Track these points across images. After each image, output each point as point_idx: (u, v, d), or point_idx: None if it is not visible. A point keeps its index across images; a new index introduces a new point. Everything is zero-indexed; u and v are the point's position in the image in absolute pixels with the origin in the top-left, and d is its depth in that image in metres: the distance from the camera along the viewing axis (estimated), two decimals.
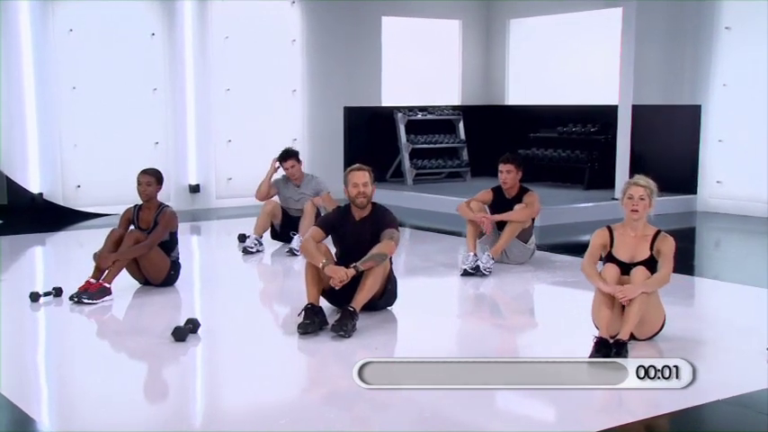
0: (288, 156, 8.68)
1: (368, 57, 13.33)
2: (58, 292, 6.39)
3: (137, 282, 6.76)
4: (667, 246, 5.07)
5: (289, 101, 12.74)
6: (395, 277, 5.95)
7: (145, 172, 6.66)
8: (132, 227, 6.68)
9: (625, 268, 5.08)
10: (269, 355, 5.19)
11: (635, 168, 11.05)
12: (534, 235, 7.75)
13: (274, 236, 8.80)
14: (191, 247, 9.00)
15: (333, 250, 5.95)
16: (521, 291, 7.10)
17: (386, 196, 12.56)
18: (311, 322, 5.34)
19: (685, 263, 7.77)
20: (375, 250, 5.56)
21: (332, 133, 13.14)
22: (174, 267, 6.76)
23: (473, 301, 6.80)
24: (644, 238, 5.16)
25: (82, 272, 6.53)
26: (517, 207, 7.49)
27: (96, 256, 6.38)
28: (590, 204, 11.03)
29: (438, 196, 11.96)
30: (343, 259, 5.65)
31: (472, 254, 7.32)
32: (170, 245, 6.73)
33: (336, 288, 5.46)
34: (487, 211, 7.60)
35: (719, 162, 11.43)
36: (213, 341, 5.35)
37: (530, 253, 7.72)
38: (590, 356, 4.69)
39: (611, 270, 5.02)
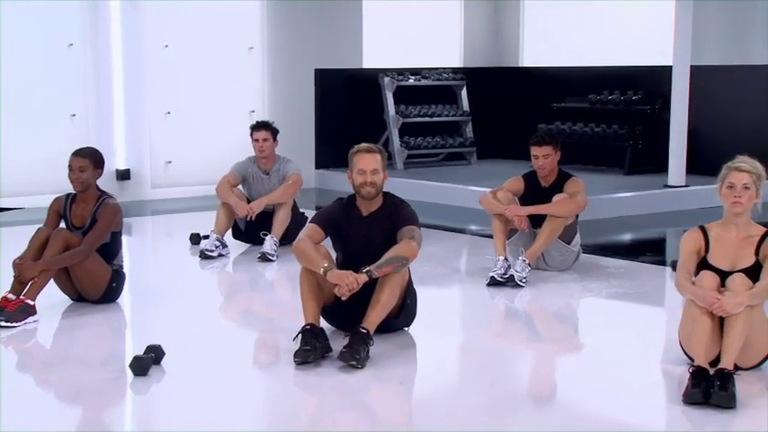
0: (261, 126, 8.54)
1: (345, 5, 13.22)
2: None
3: (67, 297, 6.58)
4: None
5: (245, 61, 12.61)
6: (414, 290, 5.82)
7: (77, 153, 6.45)
8: (63, 224, 6.47)
9: (724, 278, 4.97)
10: (258, 393, 5.04)
11: (693, 147, 11.10)
12: (579, 233, 7.67)
13: (237, 235, 8.66)
14: (126, 250, 8.79)
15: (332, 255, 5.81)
16: (565, 306, 7.03)
17: None
18: (311, 348, 5.20)
19: None
20: (393, 252, 5.42)
21: (300, 103, 13.02)
22: (117, 278, 6.56)
23: (508, 321, 6.74)
24: (748, 240, 5.08)
25: None
26: (557, 198, 7.39)
27: (16, 266, 6.17)
28: (635, 194, 10.98)
29: (437, 184, 11.87)
30: (347, 267, 5.50)
31: (502, 258, 7.22)
32: (111, 249, 6.53)
33: (343, 298, 5.32)
34: (518, 203, 7.49)
35: None
36: (182, 376, 5.18)
37: (574, 257, 7.64)
38: (686, 395, 4.58)
39: (709, 278, 4.91)
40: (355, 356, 5.13)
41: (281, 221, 8.30)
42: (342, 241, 5.77)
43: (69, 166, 6.42)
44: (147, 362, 5.09)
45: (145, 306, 6.76)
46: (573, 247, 7.59)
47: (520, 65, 14.61)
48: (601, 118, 13.04)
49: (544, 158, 7.47)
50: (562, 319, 6.82)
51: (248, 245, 8.68)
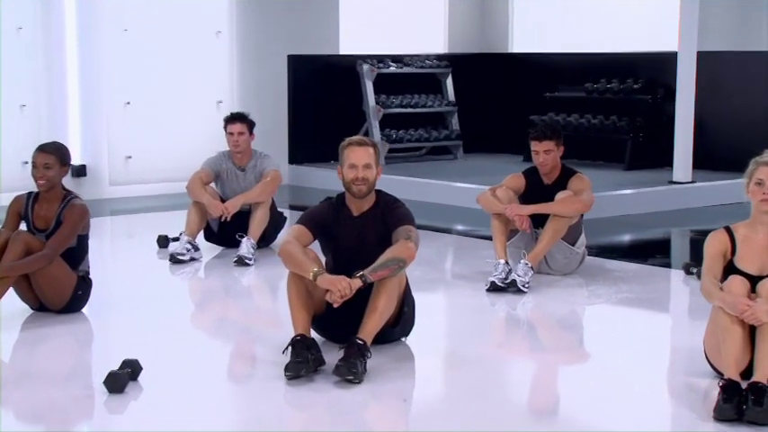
0: (236, 118, 8.48)
1: None
2: None
3: (27, 307, 6.47)
4: None
5: (212, 47, 12.55)
6: (412, 296, 5.78)
7: (42, 149, 6.35)
8: (24, 226, 6.38)
9: (754, 283, 4.94)
10: (247, 411, 4.97)
11: (699, 140, 11.14)
12: (584, 234, 7.65)
13: (209, 237, 8.60)
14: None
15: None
16: (572, 313, 7.02)
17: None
18: (303, 361, 5.13)
19: None
20: (388, 254, 5.37)
21: (271, 93, 12.97)
22: (82, 286, 6.46)
23: (511, 330, 6.73)
24: None
25: None
26: (561, 196, 7.36)
27: None
28: (638, 191, 10.99)
29: (420, 180, 11.84)
30: (338, 273, 5.44)
31: (503, 262, 7.19)
32: (77, 254, 6.43)
33: (335, 306, 5.26)
34: (518, 202, 7.46)
35: None
36: (162, 393, 5.12)
37: (578, 259, 7.62)
38: (716, 411, 4.55)
39: (738, 284, 4.88)
40: (352, 370, 5.07)
41: (258, 222, 8.23)
42: (331, 244, 5.71)
43: (33, 162, 6.33)
44: (124, 378, 5.00)
45: (112, 316, 6.65)
46: (578, 249, 7.57)
47: (509, 51, 14.61)
48: (598, 109, 13.06)
49: (545, 154, 7.45)
50: (569, 327, 6.79)
51: (222, 247, 8.63)
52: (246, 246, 8.04)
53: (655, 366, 5.62)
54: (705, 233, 9.79)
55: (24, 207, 6.44)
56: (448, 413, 4.92)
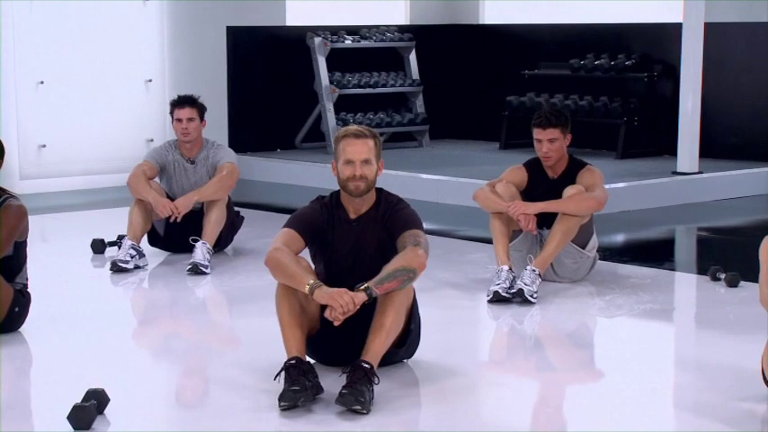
0: (184, 102, 8.38)
1: None
2: None
3: None
4: None
5: (138, 17, 12.48)
6: (419, 313, 5.73)
7: None
8: None
9: None
10: None
11: (704, 124, 11.25)
12: (596, 235, 7.66)
13: (154, 241, 8.50)
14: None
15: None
16: (590, 327, 7.02)
17: (296, 173, 12.38)
18: (301, 389, 5.05)
19: None
20: (396, 264, 5.30)
21: (208, 71, 12.90)
22: (20, 301, 6.32)
23: (523, 348, 6.69)
24: None
25: None
26: (570, 191, 7.35)
27: None
28: (639, 183, 11.04)
29: (385, 171, 11.79)
30: (331, 285, 5.38)
31: (506, 268, 7.17)
32: (14, 264, 6.28)
33: (336, 323, 5.20)
34: (521, 199, 7.45)
35: None
36: (136, 428, 5.04)
37: (589, 264, 7.63)
38: None
39: None
40: (359, 399, 5.00)
41: (214, 223, 8.14)
42: (324, 251, 5.65)
43: None
44: (91, 412, 4.90)
45: (54, 337, 6.51)
46: (588, 253, 7.57)
47: (481, 22, 14.63)
48: (586, 89, 13.15)
49: (550, 144, 7.44)
50: (590, 345, 6.76)
51: (167, 253, 8.54)
52: (201, 251, 7.95)
53: (699, 390, 5.59)
54: (716, 230, 10.10)
55: None
56: None
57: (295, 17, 13.53)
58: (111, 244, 8.66)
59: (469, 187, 10.88)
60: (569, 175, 7.53)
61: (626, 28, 13.24)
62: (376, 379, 5.15)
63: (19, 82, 11.78)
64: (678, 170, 11.38)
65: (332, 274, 5.58)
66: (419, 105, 13.98)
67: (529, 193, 7.52)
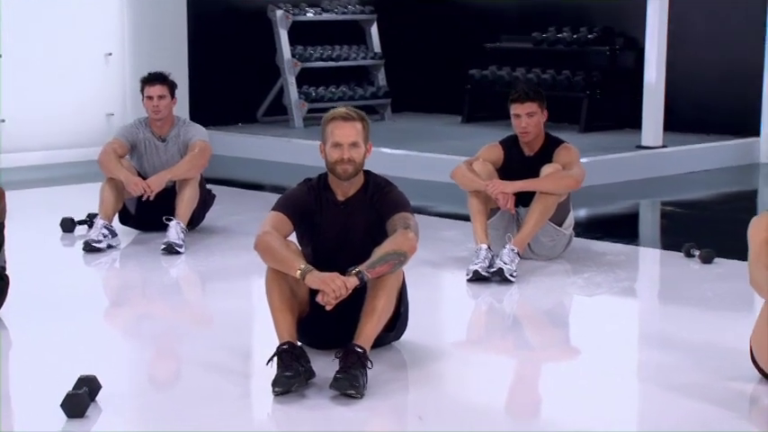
0: (155, 79, 8.30)
1: None
2: None
3: None
4: None
5: None
6: (407, 295, 5.74)
7: None
8: None
9: None
10: None
11: (667, 97, 11.31)
12: (572, 213, 7.70)
13: (125, 220, 8.45)
14: None
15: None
16: (571, 306, 7.06)
17: (259, 147, 12.33)
18: (295, 374, 5.04)
19: None
20: (387, 247, 5.29)
21: (168, 44, 12.80)
22: None
23: (507, 327, 6.71)
24: None
25: None
26: (547, 170, 7.38)
27: None
28: (604, 157, 11.08)
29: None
30: (320, 268, 5.37)
31: (485, 247, 7.18)
32: None
33: (328, 308, 5.17)
34: (498, 177, 7.46)
35: None
36: (129, 414, 5.02)
37: (565, 242, 7.67)
38: None
39: None
40: (354, 384, 5.00)
41: (187, 202, 8.09)
42: (312, 234, 5.62)
43: None
44: (84, 399, 4.86)
45: (32, 320, 6.42)
46: (565, 231, 7.61)
47: None
48: (548, 62, 13.17)
49: (528, 118, 7.45)
50: (572, 324, 6.78)
51: (138, 231, 8.50)
52: (175, 230, 7.91)
53: (686, 370, 5.59)
54: (682, 204, 10.17)
55: None
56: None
57: None
58: (81, 223, 8.60)
59: (434, 162, 11.01)
60: (546, 153, 7.54)
61: (587, 1, 13.26)
62: (369, 363, 5.14)
63: None
64: (642, 144, 11.44)
65: (319, 256, 5.53)
66: (381, 79, 13.98)
67: (505, 171, 7.52)
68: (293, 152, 12.21)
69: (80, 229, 8.57)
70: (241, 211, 9.44)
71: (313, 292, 5.29)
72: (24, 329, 6.32)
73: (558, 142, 7.63)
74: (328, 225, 5.60)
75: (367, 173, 5.67)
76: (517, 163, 7.54)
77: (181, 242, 7.88)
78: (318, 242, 5.62)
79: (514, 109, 7.53)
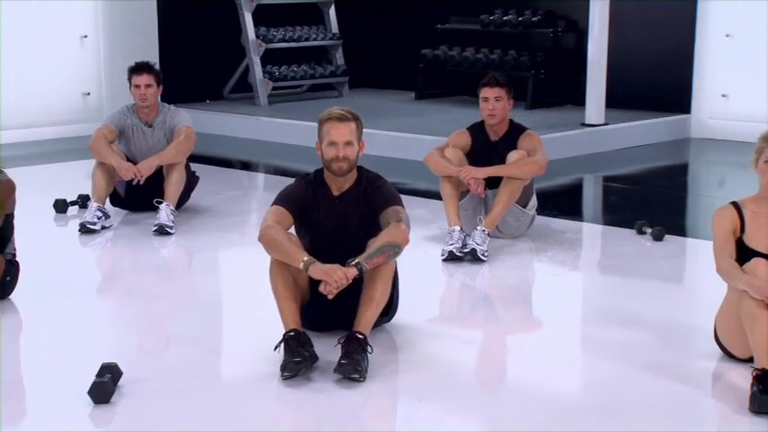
0: (142, 68, 8.28)
1: None
2: None
3: None
4: None
5: None
6: (398, 282, 5.80)
7: None
8: None
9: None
10: (248, 416, 4.84)
11: (608, 77, 11.40)
12: (535, 195, 7.80)
13: (115, 202, 8.44)
14: None
15: None
16: (541, 283, 7.15)
17: (225, 124, 12.28)
18: (302, 360, 5.09)
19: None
20: (383, 240, 5.35)
21: (139, 26, 12.72)
22: (11, 270, 6.25)
23: (482, 305, 6.82)
24: None
25: None
26: (513, 155, 7.46)
27: None
28: (553, 135, 11.02)
29: (309, 124, 11.75)
30: (317, 257, 5.41)
31: (458, 229, 7.27)
32: (4, 235, 6.22)
33: (330, 297, 5.23)
34: (467, 162, 7.53)
35: (726, 67, 11.93)
36: (148, 400, 4.98)
37: (529, 221, 7.76)
38: (754, 403, 4.72)
39: (763, 267, 5.04)
40: (357, 368, 5.07)
41: (175, 185, 8.11)
42: (310, 226, 5.65)
43: None
44: (109, 387, 4.89)
45: (41, 302, 6.40)
46: (529, 212, 7.71)
47: None
48: (495, 43, 13.15)
49: (496, 101, 7.50)
50: (545, 300, 6.82)
51: (125, 211, 8.51)
52: (166, 213, 7.92)
53: (654, 348, 5.68)
54: (624, 179, 10.29)
55: None
56: (467, 410, 4.98)
57: None
58: (72, 204, 8.59)
59: (392, 139, 11.07)
60: (509, 138, 7.62)
61: None
62: (369, 348, 5.22)
63: None
64: (586, 122, 11.53)
65: (316, 247, 5.56)
66: (339, 58, 13.95)
67: (472, 155, 7.58)
68: (259, 129, 12.25)
69: (71, 210, 8.57)
70: (220, 190, 9.43)
71: (313, 281, 5.34)
72: (37, 312, 6.29)
73: (522, 129, 7.70)
74: (325, 218, 5.64)
75: (360, 168, 5.69)
76: (483, 147, 7.61)
77: (171, 223, 7.90)
78: (316, 234, 5.66)
79: (484, 92, 7.56)
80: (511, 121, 7.72)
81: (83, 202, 8.58)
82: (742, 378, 5.10)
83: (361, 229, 5.58)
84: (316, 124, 11.18)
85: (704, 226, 7.89)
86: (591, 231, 8.20)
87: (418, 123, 11.80)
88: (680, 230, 8.07)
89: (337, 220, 5.63)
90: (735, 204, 5.35)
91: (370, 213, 5.60)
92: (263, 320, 5.77)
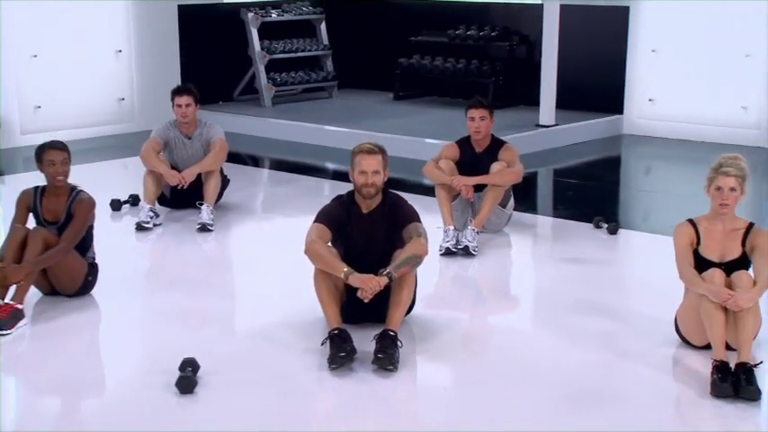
0: (183, 91, 8.31)
1: None
2: None
3: (38, 291, 6.27)
4: (765, 241, 5.30)
5: (110, 1, 12.13)
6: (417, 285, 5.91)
7: (55, 147, 6.18)
8: (31, 217, 6.22)
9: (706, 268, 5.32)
10: (307, 404, 5.00)
11: (558, 82, 11.48)
12: (513, 197, 7.92)
13: (162, 201, 8.48)
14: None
15: None
16: (533, 275, 7.20)
17: (234, 122, 12.27)
18: (346, 354, 5.22)
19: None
20: (408, 252, 5.49)
21: (164, 41, 12.67)
22: (92, 271, 6.34)
23: (482, 295, 6.90)
24: (734, 233, 5.39)
25: None
26: (495, 166, 7.58)
27: None
28: (513, 136, 11.04)
29: (322, 126, 11.85)
30: (350, 263, 5.54)
31: (452, 228, 7.40)
32: (86, 243, 6.29)
33: (366, 301, 5.36)
34: (457, 171, 7.63)
35: (652, 76, 12.08)
36: (224, 390, 5.02)
37: (507, 218, 7.90)
38: (714, 389, 4.91)
39: (718, 276, 5.22)
40: (391, 361, 5.19)
41: (213, 189, 8.19)
42: (344, 239, 5.74)
43: (50, 160, 6.15)
44: (193, 380, 4.96)
45: (120, 299, 6.41)
46: (508, 211, 7.85)
47: None
48: (461, 53, 13.18)
49: (480, 120, 7.60)
50: (527, 290, 6.93)
51: (168, 209, 8.53)
52: (206, 212, 7.99)
53: (626, 337, 5.76)
54: (571, 173, 10.39)
55: (33, 201, 6.25)
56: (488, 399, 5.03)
57: None
58: (125, 203, 8.64)
59: (374, 138, 10.94)
60: (492, 150, 7.72)
61: (491, 6, 13.32)
62: (400, 342, 5.34)
63: (16, 56, 11.38)
64: (540, 123, 11.63)
65: (349, 255, 5.66)
66: (329, 65, 13.93)
67: (460, 164, 7.67)
68: (265, 128, 12.28)
69: (124, 208, 8.62)
70: (242, 186, 9.39)
71: (350, 286, 5.44)
72: (118, 308, 6.30)
73: (501, 143, 7.81)
74: (356, 232, 5.74)
75: (384, 191, 5.79)
76: (470, 158, 7.71)
77: (211, 222, 7.97)
78: (349, 244, 5.75)
79: (471, 113, 7.65)
80: (492, 135, 7.83)
81: (133, 200, 8.64)
82: (701, 364, 5.26)
83: (386, 241, 5.70)
84: (312, 124, 11.39)
85: (640, 218, 8.09)
86: (556, 225, 8.24)
87: (398, 124, 11.83)
88: (629, 224, 8.23)
89: (366, 234, 5.73)
90: (691, 222, 5.51)
91: (393, 228, 5.71)
92: (305, 311, 5.87)
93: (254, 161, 11.24)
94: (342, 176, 9.64)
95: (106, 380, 5.32)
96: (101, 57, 12.09)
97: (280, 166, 11.02)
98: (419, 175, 8.06)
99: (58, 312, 6.11)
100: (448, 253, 7.27)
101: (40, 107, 11.61)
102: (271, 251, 7.58)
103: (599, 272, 7.08)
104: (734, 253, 5.40)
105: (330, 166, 10.84)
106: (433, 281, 6.90)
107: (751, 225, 5.45)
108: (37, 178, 6.50)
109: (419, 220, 5.75)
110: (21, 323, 5.81)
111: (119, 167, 10.31)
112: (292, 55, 13.54)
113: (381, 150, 5.75)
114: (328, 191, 9.39)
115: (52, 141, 6.29)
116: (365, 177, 5.66)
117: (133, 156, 10.51)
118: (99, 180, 9.65)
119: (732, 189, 5.35)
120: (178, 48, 12.80)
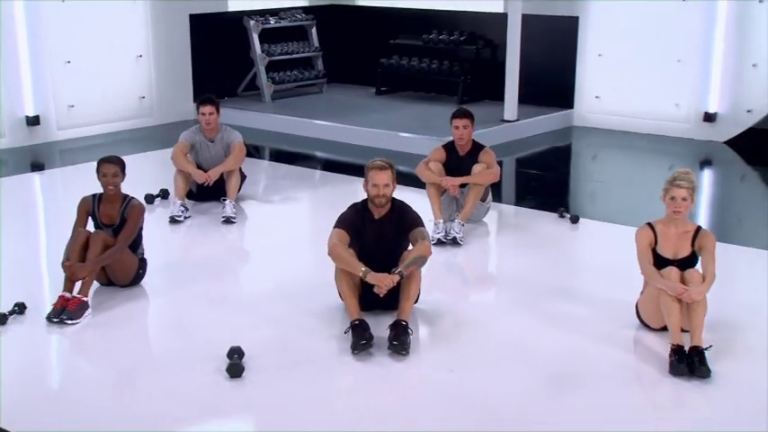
0: (208, 101, 8.38)
1: None
2: (21, 308, 5.99)
3: (96, 282, 6.35)
4: (710, 242, 5.58)
5: (131, 11, 12.06)
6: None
7: (108, 161, 6.28)
8: (90, 221, 6.34)
9: (668, 265, 5.54)
10: (337, 385, 5.13)
11: (519, 82, 11.59)
12: (491, 193, 8.08)
13: (189, 196, 8.55)
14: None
15: None
16: (519, 262, 7.17)
17: (239, 116, 12.29)
18: (366, 342, 5.40)
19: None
20: (415, 253, 5.68)
21: (178, 45, 12.64)
22: (143, 266, 6.49)
23: (474, 282, 6.98)
24: (685, 235, 5.64)
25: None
26: (477, 168, 7.70)
27: (66, 267, 5.96)
28: (482, 131, 11.11)
29: (316, 122, 11.86)
30: (364, 261, 5.70)
31: (442, 221, 7.56)
32: (137, 242, 6.43)
33: (381, 296, 5.55)
34: (444, 172, 7.76)
35: (598, 76, 12.26)
36: (266, 373, 5.13)
37: (485, 211, 8.08)
38: (673, 369, 5.15)
39: (674, 273, 5.46)
40: (404, 347, 5.38)
41: (234, 186, 8.28)
42: (359, 240, 5.87)
43: (102, 172, 6.28)
44: (241, 366, 5.10)
45: (165, 288, 6.47)
46: (487, 205, 8.02)
47: (359, 4, 14.55)
48: (434, 55, 13.22)
49: (464, 128, 7.71)
50: (514, 275, 6.82)
51: (195, 202, 8.56)
52: (230, 207, 8.09)
53: (600, 320, 5.86)
54: (532, 163, 10.55)
55: (92, 207, 6.37)
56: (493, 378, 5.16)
57: (233, 3, 13.29)
58: (156, 196, 8.69)
59: (360, 132, 11.25)
60: (473, 153, 7.82)
61: (459, 13, 13.34)
62: (410, 330, 5.51)
63: (52, 62, 11.34)
64: (504, 118, 11.73)
65: (363, 254, 5.78)
66: (320, 65, 13.95)
67: (446, 165, 7.76)
68: (265, 121, 12.33)
69: (159, 202, 8.67)
70: (256, 180, 9.51)
71: (367, 283, 5.61)
72: (168, 299, 6.36)
73: (481, 147, 7.89)
74: (369, 235, 5.88)
75: (393, 200, 5.94)
76: (454, 160, 7.81)
77: (234, 215, 8.06)
78: (363, 245, 5.87)
79: (455, 122, 7.72)
80: (473, 140, 7.95)
81: (164, 194, 8.73)
82: (659, 345, 5.47)
83: (394, 241, 5.87)
84: (305, 119, 11.41)
85: (595, 207, 8.31)
86: (523, 214, 8.30)
87: (382, 119, 11.91)
88: (586, 213, 8.36)
89: (377, 236, 5.88)
90: (650, 225, 5.73)
91: (400, 231, 5.87)
92: (325, 297, 5.97)
93: (257, 150, 11.30)
94: (330, 166, 9.93)
95: (162, 364, 5.37)
96: (124, 61, 12.06)
97: (279, 156, 11.03)
98: (399, 163, 8.04)
99: (115, 302, 6.22)
100: (439, 243, 7.43)
101: (73, 106, 11.59)
102: (286, 240, 7.64)
103: (565, 258, 7.25)
104: (685, 252, 5.65)
105: (319, 154, 10.95)
106: (428, 267, 6.86)
107: (699, 228, 5.69)
108: (74, 172, 6.46)
109: (423, 225, 5.91)
110: (86, 313, 5.96)
111: (142, 159, 10.34)
112: (288, 56, 13.54)
113: (391, 166, 5.90)
114: (320, 179, 9.46)
115: (108, 156, 6.38)
116: (377, 189, 5.82)
117: (154, 147, 10.70)
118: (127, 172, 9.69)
119: (684, 199, 5.58)
120: (190, 52, 12.77)
